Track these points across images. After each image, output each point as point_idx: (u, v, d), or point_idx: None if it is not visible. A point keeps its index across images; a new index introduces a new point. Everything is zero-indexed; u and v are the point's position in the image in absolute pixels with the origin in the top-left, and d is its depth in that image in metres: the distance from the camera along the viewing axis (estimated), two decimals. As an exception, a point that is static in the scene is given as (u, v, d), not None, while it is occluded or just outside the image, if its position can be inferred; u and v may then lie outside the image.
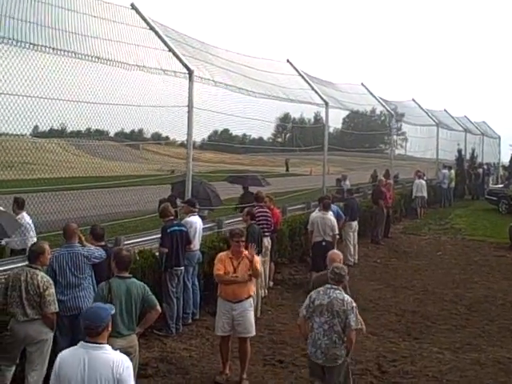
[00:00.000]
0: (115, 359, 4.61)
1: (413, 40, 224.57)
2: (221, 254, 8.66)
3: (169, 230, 9.98)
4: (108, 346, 4.69)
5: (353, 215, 16.05)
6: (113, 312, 4.96)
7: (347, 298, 6.81)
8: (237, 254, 8.32)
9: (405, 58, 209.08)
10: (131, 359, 6.40)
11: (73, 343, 7.57)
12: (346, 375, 7.00)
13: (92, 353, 4.60)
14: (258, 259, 8.63)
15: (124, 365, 4.60)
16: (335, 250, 8.84)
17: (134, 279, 6.88)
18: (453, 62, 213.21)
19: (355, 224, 16.09)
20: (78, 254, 7.71)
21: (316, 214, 13.35)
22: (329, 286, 6.86)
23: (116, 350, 4.93)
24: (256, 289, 9.66)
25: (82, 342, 4.69)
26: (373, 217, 19.26)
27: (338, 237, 13.56)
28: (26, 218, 10.36)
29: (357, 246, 16.30)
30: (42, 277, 6.94)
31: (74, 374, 4.54)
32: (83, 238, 8.04)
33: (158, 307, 6.91)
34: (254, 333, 8.40)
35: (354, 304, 6.82)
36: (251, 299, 8.37)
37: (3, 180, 9.10)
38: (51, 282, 7.02)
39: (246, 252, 8.38)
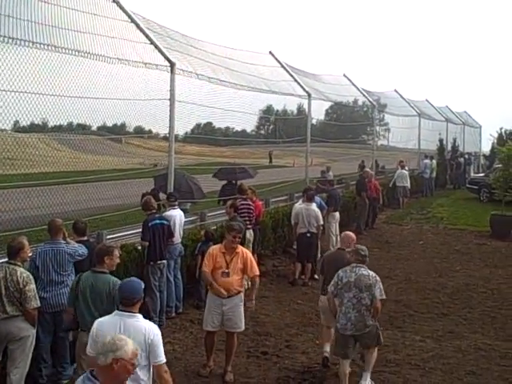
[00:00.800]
0: (147, 327, 5.23)
1: (395, 31, 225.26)
2: (213, 247, 8.54)
3: (150, 224, 9.98)
4: (140, 316, 5.34)
5: (336, 206, 16.15)
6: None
7: (372, 273, 7.73)
8: (230, 250, 8.22)
9: (387, 49, 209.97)
10: None
11: (55, 340, 7.65)
12: (377, 336, 7.88)
13: (127, 320, 5.27)
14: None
15: (154, 332, 5.21)
16: (348, 232, 9.28)
17: (109, 275, 6.77)
18: (434, 52, 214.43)
19: (337, 215, 16.19)
20: (62, 252, 7.70)
21: (300, 206, 13.49)
22: (354, 264, 7.74)
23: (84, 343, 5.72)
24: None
25: (116, 311, 5.42)
26: (356, 207, 19.43)
27: (321, 228, 13.71)
28: None
29: (339, 237, 16.38)
30: (22, 272, 6.88)
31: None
32: (66, 234, 8.02)
33: None
34: (243, 328, 8.42)
35: (378, 278, 7.74)
36: (242, 294, 8.30)
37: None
38: (31, 277, 6.97)
39: (241, 248, 8.35)
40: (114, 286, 6.60)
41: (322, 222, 13.43)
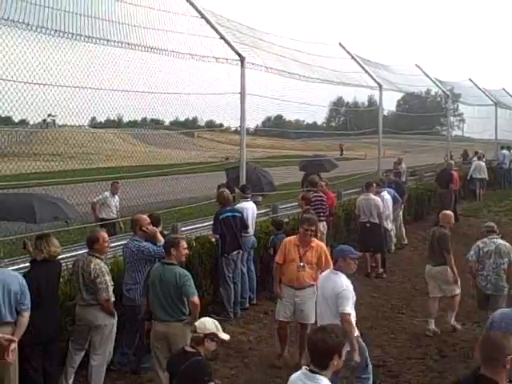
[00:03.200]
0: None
1: (469, 18, 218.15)
2: (287, 239, 8.50)
3: (220, 217, 10.05)
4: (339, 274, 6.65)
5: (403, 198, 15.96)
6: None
7: (507, 243, 9.11)
8: (304, 242, 8.16)
9: (460, 37, 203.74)
10: (175, 348, 6.41)
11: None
12: (508, 301, 8.87)
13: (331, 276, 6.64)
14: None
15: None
16: (446, 211, 10.54)
17: (177, 267, 6.84)
18: (511, 38, 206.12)
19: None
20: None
21: (360, 197, 13.50)
22: (490, 236, 9.21)
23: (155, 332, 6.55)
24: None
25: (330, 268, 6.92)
26: (436, 200, 19.02)
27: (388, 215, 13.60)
28: None
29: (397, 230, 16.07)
30: (95, 264, 7.02)
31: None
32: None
33: (194, 298, 6.69)
34: (313, 320, 8.26)
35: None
36: (314, 287, 8.10)
37: (66, 170, 9.37)
38: (104, 270, 7.08)
39: (317, 242, 8.28)
40: (181, 278, 6.71)
41: (383, 211, 13.22)
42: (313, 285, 8.17)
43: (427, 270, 9.88)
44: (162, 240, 7.75)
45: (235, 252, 10.13)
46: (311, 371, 4.15)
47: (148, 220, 8.02)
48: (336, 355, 4.13)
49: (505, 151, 27.74)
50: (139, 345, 7.92)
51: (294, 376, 4.31)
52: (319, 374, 4.11)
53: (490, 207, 21.96)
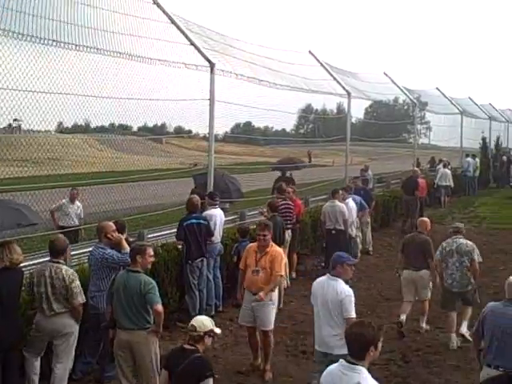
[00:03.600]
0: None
1: (437, 27, 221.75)
2: (250, 245, 8.72)
3: (185, 223, 10.06)
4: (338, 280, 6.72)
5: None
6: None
7: (469, 242, 9.69)
8: (261, 248, 8.31)
9: (428, 46, 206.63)
10: (139, 356, 6.59)
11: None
12: (474, 295, 9.61)
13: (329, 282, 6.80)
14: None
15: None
16: (424, 218, 11.42)
17: (142, 275, 6.79)
18: (477, 49, 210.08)
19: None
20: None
21: (326, 204, 13.62)
22: (454, 236, 9.71)
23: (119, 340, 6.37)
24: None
25: (327, 275, 6.88)
26: (402, 207, 19.39)
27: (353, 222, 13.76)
28: None
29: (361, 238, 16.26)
30: (67, 270, 7.02)
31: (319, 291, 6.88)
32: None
33: (157, 306, 6.62)
34: (270, 327, 8.38)
35: (475, 245, 9.66)
36: (272, 294, 8.29)
37: (34, 176, 9.25)
38: (75, 274, 7.11)
39: (273, 248, 8.34)
40: (146, 286, 6.67)
41: (348, 218, 13.33)
42: (271, 290, 8.25)
43: (406, 274, 10.17)
44: (126, 248, 7.70)
45: (199, 259, 10.12)
46: (349, 362, 4.49)
47: (113, 227, 7.95)
48: (372, 347, 4.49)
49: (469, 159, 28.27)
50: (102, 353, 7.85)
51: (332, 367, 4.65)
52: (357, 365, 4.45)
53: (454, 214, 22.35)
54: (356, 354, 4.49)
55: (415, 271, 10.09)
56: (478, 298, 9.57)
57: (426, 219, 10.90)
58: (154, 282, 6.83)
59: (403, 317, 9.94)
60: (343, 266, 6.91)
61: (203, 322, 5.48)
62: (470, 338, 8.74)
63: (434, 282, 10.03)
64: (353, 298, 6.76)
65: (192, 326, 5.42)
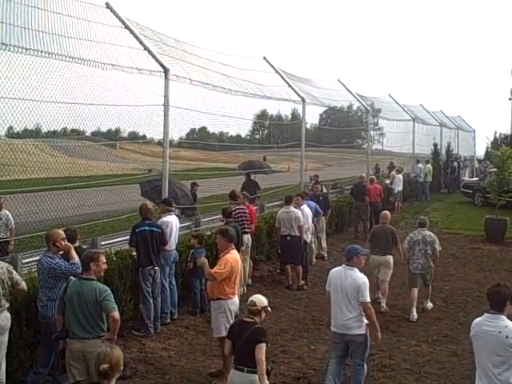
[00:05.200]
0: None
1: (388, 36, 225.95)
2: None
3: (137, 230, 9.96)
4: (355, 269, 7.73)
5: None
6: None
7: (431, 233, 11.88)
8: (220, 254, 8.48)
9: (380, 54, 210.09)
10: (89, 365, 6.28)
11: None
12: (433, 277, 12.10)
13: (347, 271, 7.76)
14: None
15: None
16: (386, 211, 13.05)
17: (95, 282, 6.73)
18: (428, 57, 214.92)
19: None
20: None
21: (281, 210, 13.69)
22: (419, 228, 11.82)
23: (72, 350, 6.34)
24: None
25: (343, 265, 7.85)
26: (353, 213, 19.62)
27: (308, 228, 13.89)
28: None
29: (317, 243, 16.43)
30: (8, 266, 7.09)
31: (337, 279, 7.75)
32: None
33: (114, 313, 6.57)
34: (217, 335, 8.38)
35: (436, 237, 11.84)
36: (220, 302, 8.28)
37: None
38: (11, 267, 7.18)
39: (226, 255, 8.32)
40: (102, 293, 6.59)
41: (304, 224, 13.41)
42: (219, 298, 8.26)
43: (375, 260, 11.93)
44: (75, 257, 7.55)
45: (150, 267, 9.99)
46: (492, 313, 5.83)
47: (62, 235, 7.77)
48: (508, 302, 5.80)
49: (420, 165, 28.78)
50: (54, 364, 7.68)
51: (478, 320, 5.98)
52: (499, 315, 5.79)
53: (407, 219, 22.70)
54: (496, 307, 5.82)
55: (382, 256, 11.92)
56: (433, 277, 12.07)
57: (387, 212, 12.91)
58: (109, 289, 6.76)
59: (383, 303, 11.83)
60: (358, 257, 7.88)
61: (261, 299, 6.62)
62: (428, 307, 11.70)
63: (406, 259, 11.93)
64: (368, 285, 7.74)
65: (252, 301, 6.53)
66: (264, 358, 6.17)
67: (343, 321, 7.64)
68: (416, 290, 11.53)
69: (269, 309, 6.70)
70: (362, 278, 7.70)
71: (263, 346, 6.22)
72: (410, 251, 11.68)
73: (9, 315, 7.00)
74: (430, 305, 11.93)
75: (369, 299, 7.68)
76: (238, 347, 6.34)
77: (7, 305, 6.95)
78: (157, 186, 12.49)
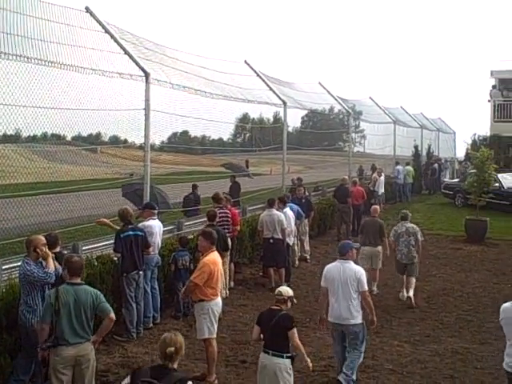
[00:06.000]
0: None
1: (369, 39, 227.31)
2: None
3: (122, 235, 9.91)
4: (351, 262, 8.39)
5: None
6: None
7: (414, 225, 12.89)
8: (201, 256, 8.60)
9: (361, 57, 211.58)
10: (84, 369, 6.48)
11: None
12: (417, 267, 12.81)
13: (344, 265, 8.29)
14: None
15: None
16: (375, 205, 14.85)
17: (86, 286, 6.76)
18: (408, 60, 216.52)
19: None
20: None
21: (264, 213, 13.73)
22: (402, 221, 12.78)
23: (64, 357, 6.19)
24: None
25: (338, 260, 8.40)
26: (336, 215, 19.65)
27: (291, 231, 13.93)
28: None
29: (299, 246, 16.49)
30: None
31: (335, 274, 8.27)
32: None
33: (112, 315, 6.71)
34: (202, 336, 8.42)
35: (418, 228, 12.90)
36: (203, 304, 8.32)
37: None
38: None
39: (205, 257, 8.37)
40: (98, 296, 6.67)
41: (286, 227, 13.45)
42: (201, 299, 8.31)
43: (366, 251, 12.95)
44: (50, 266, 7.49)
45: (135, 271, 9.97)
46: None
47: (43, 241, 7.68)
48: None
49: (399, 167, 28.89)
50: (36, 371, 7.60)
51: (507, 304, 6.52)
52: None
53: (388, 220, 22.73)
54: None
55: (373, 247, 13.05)
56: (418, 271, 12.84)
57: (377, 206, 14.43)
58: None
59: (374, 287, 12.90)
60: (352, 251, 8.60)
61: (287, 289, 7.28)
62: (413, 300, 12.23)
63: (388, 254, 13.12)
64: (365, 276, 8.49)
65: (279, 291, 7.16)
66: (299, 342, 6.91)
67: (343, 311, 8.18)
68: (403, 277, 12.74)
69: (294, 300, 7.34)
70: (360, 270, 8.42)
71: (295, 331, 6.88)
72: (396, 242, 12.69)
73: None
74: (412, 294, 12.45)
75: (366, 288, 8.37)
76: (267, 333, 6.92)
77: None
78: (137, 190, 12.47)
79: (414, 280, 12.58)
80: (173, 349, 5.08)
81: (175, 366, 5.11)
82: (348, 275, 8.22)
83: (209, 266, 8.27)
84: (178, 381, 4.87)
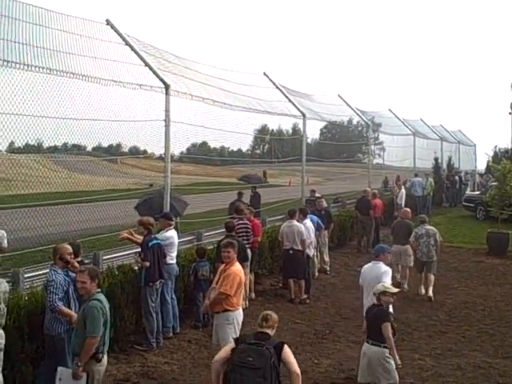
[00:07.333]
0: (384, 268, 9.07)
1: (389, 51, 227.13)
2: (222, 264, 8.80)
3: (150, 244, 9.93)
4: (381, 263, 9.22)
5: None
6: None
7: (433, 227, 14.29)
8: (225, 266, 8.47)
9: (381, 69, 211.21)
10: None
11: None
12: (436, 266, 14.04)
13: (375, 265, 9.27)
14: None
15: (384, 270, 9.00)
16: (407, 208, 16.45)
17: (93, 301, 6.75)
18: (428, 71, 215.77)
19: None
20: None
21: (284, 224, 13.71)
22: (421, 224, 14.11)
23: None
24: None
25: (372, 261, 9.39)
26: (357, 226, 19.58)
27: (311, 242, 13.85)
28: None
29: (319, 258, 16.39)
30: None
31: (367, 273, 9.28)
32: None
33: (89, 338, 6.56)
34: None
35: (436, 230, 14.19)
36: (228, 314, 8.28)
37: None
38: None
39: (232, 268, 8.35)
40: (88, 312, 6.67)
41: (306, 238, 13.36)
42: (226, 310, 8.27)
43: (396, 249, 14.17)
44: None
45: (158, 281, 9.99)
46: None
47: (69, 250, 7.75)
48: None
49: (414, 179, 28.51)
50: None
51: None
52: None
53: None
54: None
55: (402, 246, 14.36)
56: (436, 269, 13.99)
57: (407, 209, 15.95)
58: None
59: (405, 285, 14.27)
60: (384, 254, 9.41)
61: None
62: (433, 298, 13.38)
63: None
64: (389, 273, 9.15)
65: (377, 289, 7.82)
66: (390, 335, 7.47)
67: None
68: (421, 274, 14.07)
69: (394, 290, 7.90)
70: (385, 268, 9.16)
71: (387, 325, 7.49)
72: (416, 243, 13.92)
73: (2, 333, 6.88)
74: (431, 293, 13.51)
75: (385, 280, 8.68)
76: (368, 324, 7.81)
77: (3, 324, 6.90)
78: (146, 201, 12.50)
79: (432, 277, 13.74)
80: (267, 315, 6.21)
81: (272, 333, 6.15)
82: (375, 273, 9.01)
83: (238, 275, 8.35)
84: (277, 343, 5.99)
